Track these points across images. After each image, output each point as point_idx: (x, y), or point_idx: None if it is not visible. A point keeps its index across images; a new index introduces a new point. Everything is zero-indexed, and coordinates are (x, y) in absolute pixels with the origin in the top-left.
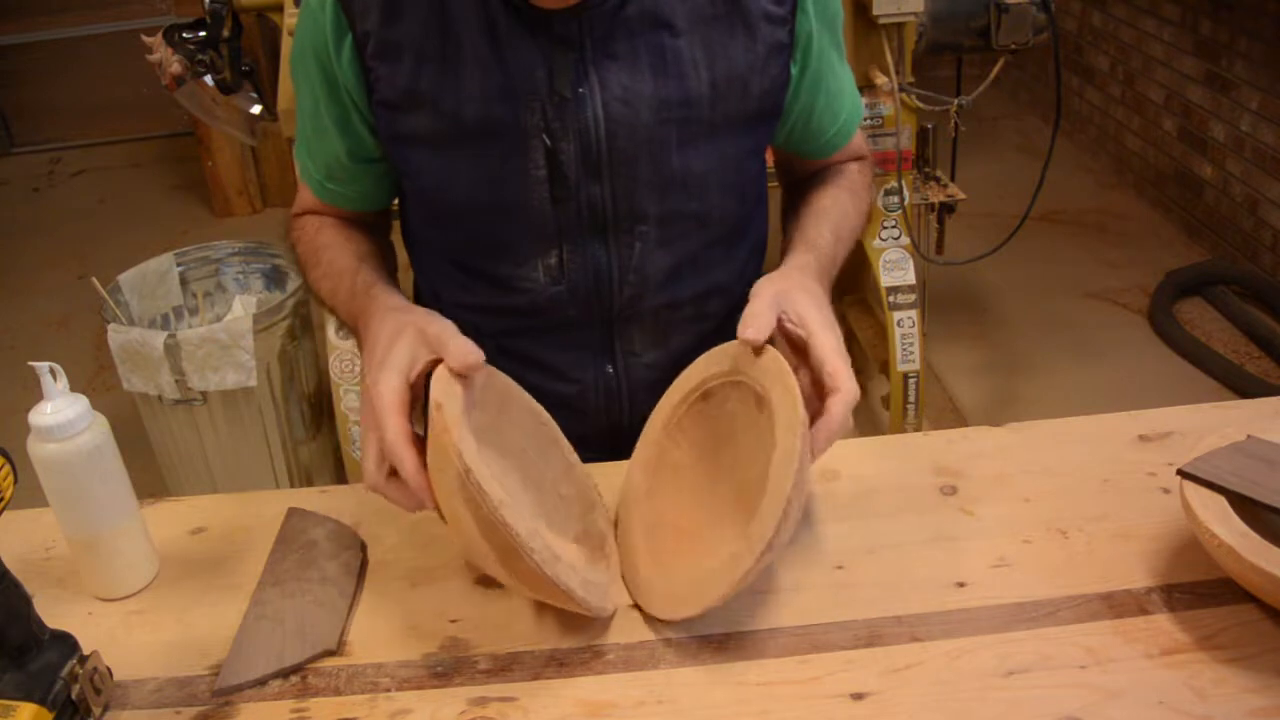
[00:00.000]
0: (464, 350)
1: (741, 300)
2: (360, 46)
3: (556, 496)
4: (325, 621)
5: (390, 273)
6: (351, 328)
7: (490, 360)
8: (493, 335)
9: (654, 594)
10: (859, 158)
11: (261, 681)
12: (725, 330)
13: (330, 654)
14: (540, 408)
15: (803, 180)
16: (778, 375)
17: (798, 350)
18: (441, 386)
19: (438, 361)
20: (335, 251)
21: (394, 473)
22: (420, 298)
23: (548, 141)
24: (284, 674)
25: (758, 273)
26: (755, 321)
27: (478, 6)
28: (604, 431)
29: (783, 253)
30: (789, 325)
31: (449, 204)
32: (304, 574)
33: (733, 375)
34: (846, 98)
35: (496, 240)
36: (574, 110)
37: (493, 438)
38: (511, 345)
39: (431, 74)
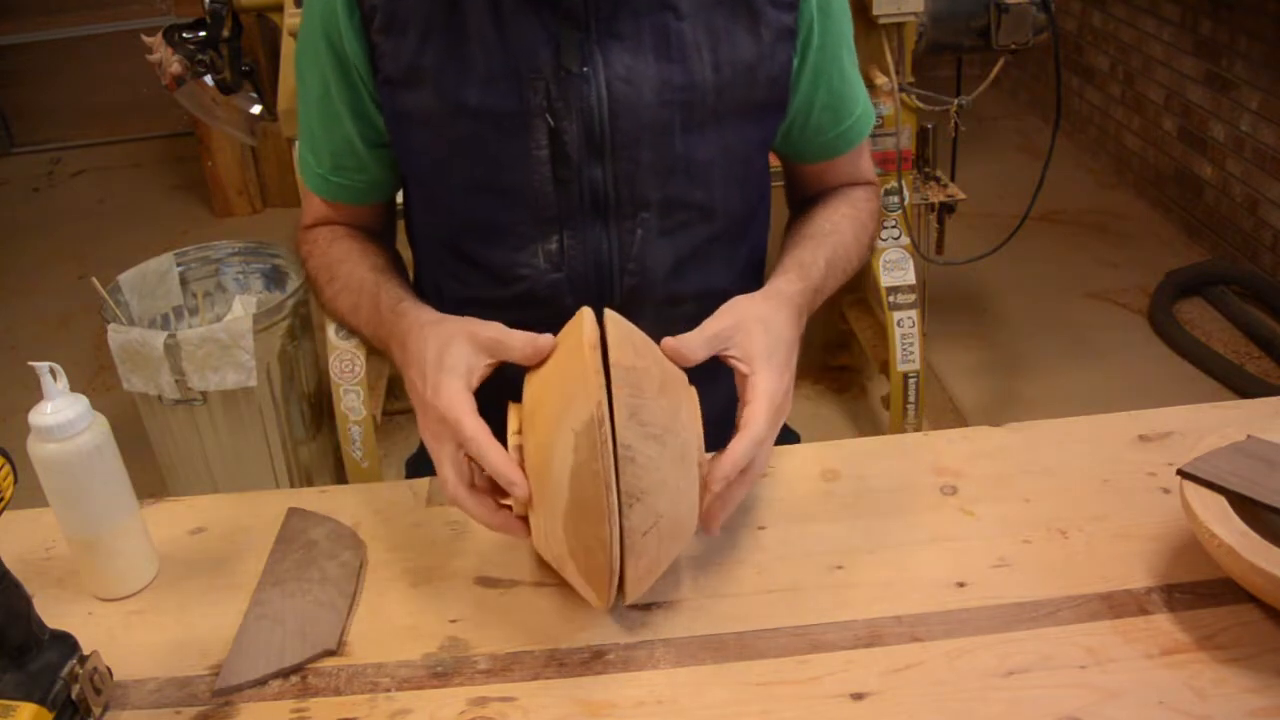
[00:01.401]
0: (527, 339)
1: None
2: (366, 21)
3: None
4: (325, 621)
5: (409, 284)
6: (381, 348)
7: None
8: None
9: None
10: (867, 182)
11: (261, 681)
12: None
13: (330, 654)
14: None
15: (809, 200)
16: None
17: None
18: (591, 329)
19: (495, 366)
20: (351, 265)
21: (472, 485)
22: (423, 294)
23: (550, 121)
24: (284, 674)
25: (756, 280)
26: (687, 342)
27: None
28: None
29: (774, 268)
30: (735, 362)
31: (449, 185)
32: (304, 574)
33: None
34: (853, 102)
35: (496, 223)
36: (578, 88)
37: None
38: None
39: (435, 50)
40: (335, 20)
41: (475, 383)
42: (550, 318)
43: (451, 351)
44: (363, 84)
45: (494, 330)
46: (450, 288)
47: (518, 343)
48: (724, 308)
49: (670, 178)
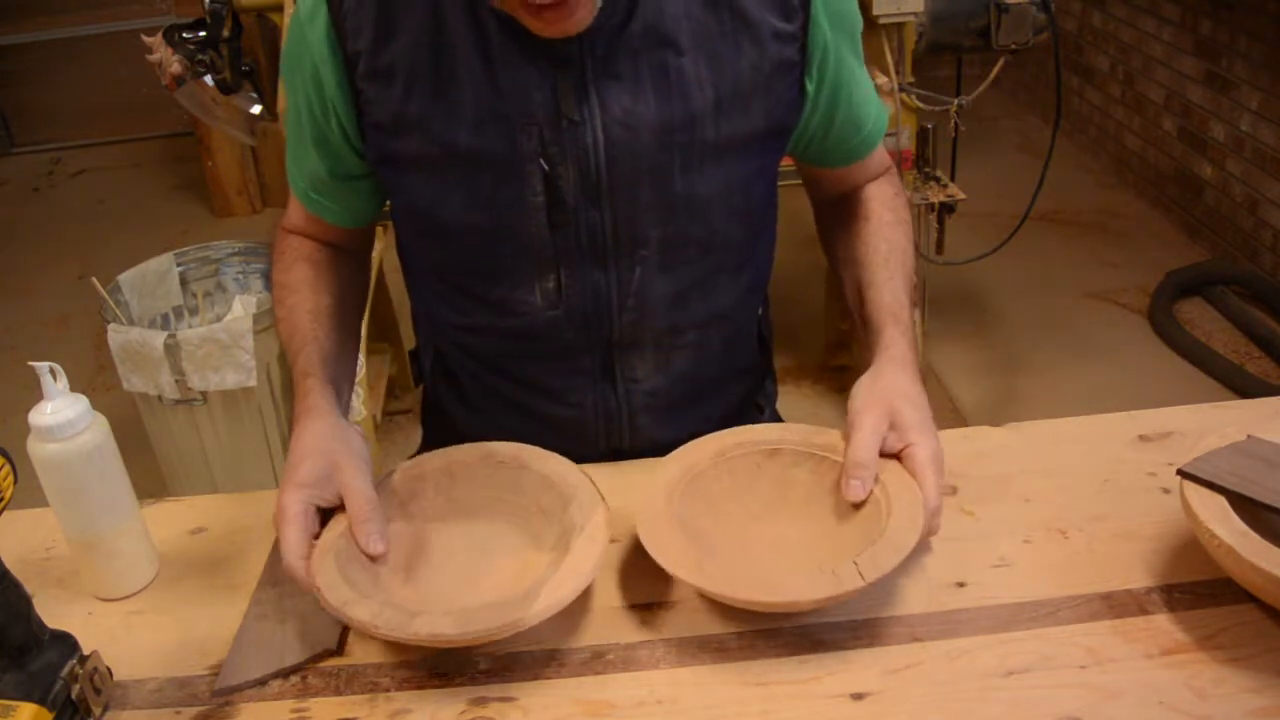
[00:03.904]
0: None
1: (744, 328)
2: (350, 67)
3: (538, 514)
4: (325, 621)
5: (348, 321)
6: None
7: (488, 379)
8: (489, 357)
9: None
10: (886, 169)
11: (261, 681)
12: (727, 359)
13: (330, 654)
14: (491, 448)
15: (835, 201)
16: (901, 477)
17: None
18: (324, 548)
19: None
20: (297, 299)
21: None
22: (415, 319)
23: (545, 167)
24: (284, 674)
25: (760, 302)
26: (862, 473)
27: (472, 27)
28: (604, 455)
29: (857, 309)
30: (890, 442)
31: (442, 226)
32: None
33: (822, 450)
34: (869, 106)
35: (491, 263)
36: (574, 133)
37: (455, 512)
38: (509, 367)
39: (423, 96)
40: (311, 61)
41: (321, 503)
42: (551, 350)
43: (306, 467)
44: (339, 125)
45: (349, 479)
46: (445, 316)
47: (354, 513)
48: (862, 399)
49: (670, 216)
